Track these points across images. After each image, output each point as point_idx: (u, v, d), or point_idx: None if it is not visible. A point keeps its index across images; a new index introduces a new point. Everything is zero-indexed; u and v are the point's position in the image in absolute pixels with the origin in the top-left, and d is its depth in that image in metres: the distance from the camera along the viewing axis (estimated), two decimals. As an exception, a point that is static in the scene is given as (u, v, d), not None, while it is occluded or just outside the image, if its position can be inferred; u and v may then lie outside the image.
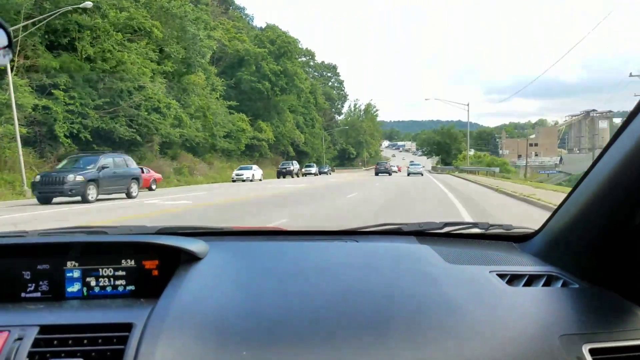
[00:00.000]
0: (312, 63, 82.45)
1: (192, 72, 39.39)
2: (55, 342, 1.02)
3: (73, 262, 1.30)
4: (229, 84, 48.92)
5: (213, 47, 40.39)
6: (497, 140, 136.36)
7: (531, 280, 1.28)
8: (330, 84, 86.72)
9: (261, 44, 52.22)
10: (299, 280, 1.24)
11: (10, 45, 0.83)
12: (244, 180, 35.99)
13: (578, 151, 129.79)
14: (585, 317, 1.15)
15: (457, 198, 14.94)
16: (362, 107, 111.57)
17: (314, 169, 53.32)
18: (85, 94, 27.47)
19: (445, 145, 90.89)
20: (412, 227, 1.70)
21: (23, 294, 1.29)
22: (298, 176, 46.18)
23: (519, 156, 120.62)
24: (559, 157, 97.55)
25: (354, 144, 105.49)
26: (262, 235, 1.75)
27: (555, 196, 13.60)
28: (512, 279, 1.28)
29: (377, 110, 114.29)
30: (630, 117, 1.03)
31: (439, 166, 70.10)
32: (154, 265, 1.31)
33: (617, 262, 1.19)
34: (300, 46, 56.02)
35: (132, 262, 1.31)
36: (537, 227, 1.53)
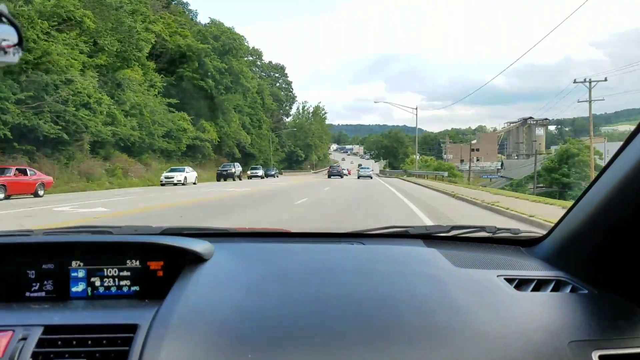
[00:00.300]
0: (259, 63, 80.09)
1: (128, 67, 36.47)
2: (59, 342, 1.02)
3: (78, 262, 1.29)
4: (169, 81, 45.94)
5: (151, 40, 37.47)
6: (441, 145, 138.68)
7: (539, 285, 1.26)
8: (278, 84, 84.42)
9: (204, 40, 49.31)
10: (305, 283, 1.22)
11: (20, 43, 0.80)
12: (175, 184, 32.20)
13: (516, 157, 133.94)
14: (595, 323, 1.13)
15: (419, 209, 13.29)
16: (311, 110, 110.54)
17: (260, 172, 50.50)
18: (5, 87, 24.42)
19: (392, 149, 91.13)
20: (419, 230, 1.69)
21: (27, 294, 1.28)
22: (240, 179, 43.44)
23: (462, 161, 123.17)
24: (500, 162, 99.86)
25: (302, 146, 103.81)
26: (268, 236, 1.74)
27: (521, 204, 12.32)
28: (520, 284, 1.26)
29: (325, 113, 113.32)
30: None
31: (387, 170, 69.48)
32: (159, 266, 1.29)
33: (626, 267, 1.16)
34: (246, 44, 53.24)
35: (137, 263, 1.30)
36: (544, 232, 1.50)
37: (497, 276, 1.29)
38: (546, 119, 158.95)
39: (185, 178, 33.36)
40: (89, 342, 1.01)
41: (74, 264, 1.29)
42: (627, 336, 1.09)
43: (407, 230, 1.69)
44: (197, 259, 1.28)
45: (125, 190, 26.60)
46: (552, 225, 1.46)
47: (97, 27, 32.05)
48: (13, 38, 0.79)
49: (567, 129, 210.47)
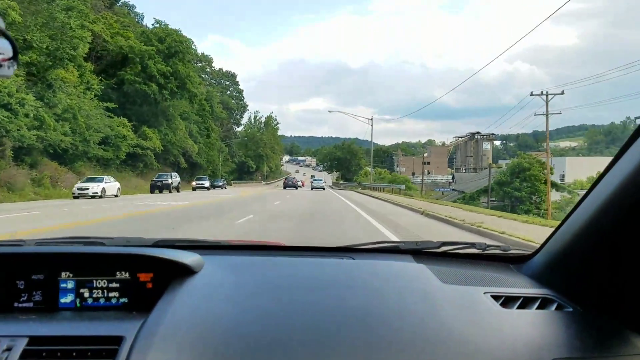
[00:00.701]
0: (208, 70, 76.89)
1: (61, 67, 33.00)
2: (43, 353, 1.02)
3: (68, 273, 1.29)
4: (109, 84, 42.43)
5: (87, 38, 34.03)
6: (393, 157, 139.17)
7: (526, 302, 1.27)
8: (228, 92, 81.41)
9: (149, 41, 46.02)
10: (294, 298, 1.22)
11: (15, 57, 0.80)
12: (91, 196, 27.19)
13: (465, 170, 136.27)
14: (579, 341, 1.15)
15: (388, 229, 11.16)
16: (263, 120, 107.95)
17: (206, 183, 46.79)
18: None
19: (345, 161, 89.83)
20: (409, 245, 1.70)
21: (16, 304, 1.27)
22: (178, 191, 39.80)
23: (413, 174, 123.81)
24: (452, 175, 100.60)
25: (253, 157, 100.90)
26: (259, 249, 1.72)
27: (506, 224, 10.49)
28: (507, 301, 1.27)
29: (277, 123, 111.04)
30: (629, 142, 1.03)
31: (340, 182, 67.73)
32: (148, 277, 1.28)
33: (611, 286, 1.17)
34: (193, 47, 49.99)
35: (127, 274, 1.29)
36: (534, 249, 1.52)
37: (484, 293, 1.29)
38: (493, 134, 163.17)
39: (104, 190, 28.35)
40: (74, 353, 1.01)
41: (63, 274, 1.29)
42: (611, 354, 1.09)
43: (397, 246, 1.70)
44: (186, 272, 1.28)
45: (45, 203, 23.33)
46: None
47: (25, 21, 28.76)
48: (8, 52, 0.79)
49: (511, 144, 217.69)
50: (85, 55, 35.63)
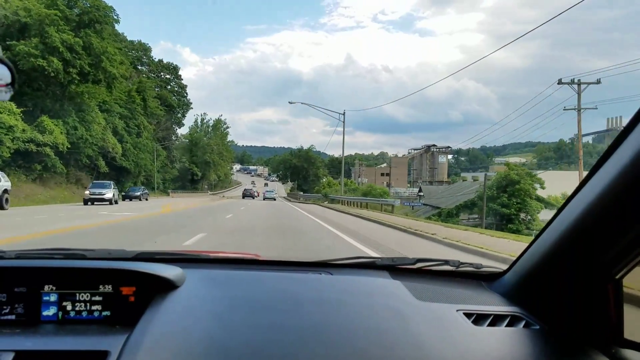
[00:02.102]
0: (145, 59, 64.92)
1: None
2: None
3: (50, 286, 1.27)
4: (-6, 56, 30.64)
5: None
6: (351, 168, 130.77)
7: (496, 320, 1.29)
8: (169, 87, 69.41)
9: (53, 5, 34.27)
10: (273, 313, 1.22)
11: (13, 83, 0.82)
12: None
13: (420, 183, 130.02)
14: (544, 358, 1.18)
15: None
16: (211, 123, 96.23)
17: (107, 192, 29.18)
18: None
19: (302, 169, 79.68)
20: (385, 261, 1.70)
21: None
22: (117, 202, 28.89)
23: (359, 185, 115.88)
24: (418, 188, 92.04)
25: (199, 163, 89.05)
26: (239, 263, 1.72)
27: None
28: (478, 319, 1.28)
29: (227, 127, 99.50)
30: (598, 164, 1.03)
31: (300, 193, 56.92)
32: (130, 291, 1.28)
33: (577, 305, 1.19)
34: (115, 17, 37.70)
35: (109, 288, 1.28)
36: (505, 267, 1.50)
37: (457, 310, 1.31)
38: (448, 146, 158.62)
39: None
40: None
41: (46, 287, 1.27)
42: None
43: (374, 261, 1.71)
44: (168, 286, 1.28)
45: None
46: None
47: None
48: (6, 78, 0.81)
49: (462, 158, 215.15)
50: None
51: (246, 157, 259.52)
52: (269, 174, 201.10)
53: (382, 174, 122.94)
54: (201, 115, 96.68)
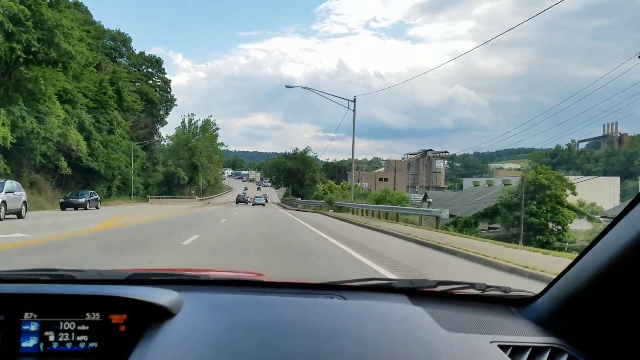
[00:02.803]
0: (124, 51, 57.95)
1: None
2: None
3: (31, 314, 1.14)
4: None
5: None
6: (347, 172, 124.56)
7: (535, 353, 1.15)
8: (151, 82, 62.04)
9: (-5, -34, 27.29)
10: (281, 343, 1.08)
11: None
12: None
13: (417, 189, 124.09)
14: None
15: None
16: (200, 124, 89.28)
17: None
18: None
19: (297, 173, 72.82)
20: (403, 283, 1.55)
21: None
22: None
23: (370, 191, 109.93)
24: (424, 194, 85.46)
25: (185, 167, 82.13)
26: (240, 285, 1.57)
27: None
28: (515, 352, 1.15)
29: (217, 128, 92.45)
30: None
31: (297, 199, 49.71)
32: (121, 320, 1.15)
33: (631, 336, 1.05)
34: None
35: (97, 316, 1.15)
36: (537, 291, 1.38)
37: (490, 342, 1.16)
38: (446, 151, 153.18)
39: None
40: None
41: (26, 315, 1.13)
42: None
43: (390, 284, 1.55)
44: (163, 314, 1.14)
45: None
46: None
47: None
48: None
49: (457, 164, 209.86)
50: None
51: (238, 161, 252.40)
52: (262, 179, 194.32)
53: (381, 179, 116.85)
54: (189, 115, 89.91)
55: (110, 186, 47.19)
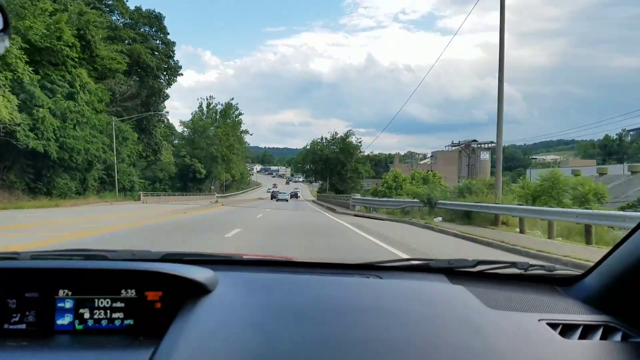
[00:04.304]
0: (115, 4, 43.80)
1: None
2: None
3: (66, 291, 1.11)
4: None
5: None
6: (389, 165, 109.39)
7: (586, 331, 1.11)
8: (148, 44, 46.51)
9: None
10: (320, 323, 1.04)
11: (6, 28, 0.67)
12: None
13: (458, 183, 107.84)
14: None
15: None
16: (219, 109, 75.29)
17: None
18: None
19: (337, 163, 58.03)
20: (441, 263, 1.48)
21: (6, 325, 1.09)
22: None
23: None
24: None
25: (203, 158, 68.54)
26: (273, 265, 1.55)
27: None
28: (565, 330, 1.10)
29: (240, 114, 78.09)
30: None
31: (357, 196, 32.94)
32: (157, 296, 1.12)
33: None
34: None
35: (133, 293, 1.12)
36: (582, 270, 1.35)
37: (539, 320, 1.11)
38: (491, 142, 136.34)
39: None
40: None
41: (61, 292, 1.10)
42: None
43: (427, 264, 1.48)
44: (199, 290, 1.11)
45: None
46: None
47: None
48: None
49: (494, 156, 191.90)
50: None
51: (267, 157, 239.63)
52: (292, 175, 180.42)
53: (429, 172, 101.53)
54: (207, 99, 75.92)
55: (84, 179, 33.27)
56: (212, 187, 73.95)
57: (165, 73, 47.52)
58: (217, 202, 36.23)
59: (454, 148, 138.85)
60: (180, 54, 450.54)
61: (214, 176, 73.36)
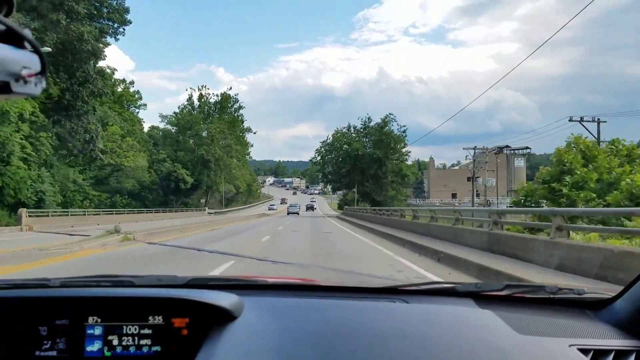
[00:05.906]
0: None
1: None
2: None
3: (95, 318, 1.14)
4: None
5: None
6: (422, 171, 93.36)
7: (618, 357, 1.07)
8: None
9: None
10: (344, 349, 1.02)
11: (44, 72, 0.67)
12: None
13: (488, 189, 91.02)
14: None
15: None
16: (213, 100, 58.69)
17: None
18: None
19: (370, 161, 40.41)
20: (468, 287, 1.43)
21: (37, 352, 1.11)
22: None
23: (454, 195, 77.48)
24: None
25: (190, 163, 52.01)
26: (297, 289, 1.53)
27: None
28: (596, 355, 1.06)
29: (241, 107, 61.25)
30: None
31: (424, 209, 15.76)
32: (183, 323, 1.13)
33: None
34: None
35: (160, 319, 1.14)
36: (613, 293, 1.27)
37: (569, 346, 1.06)
38: (527, 147, 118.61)
39: None
40: None
41: (90, 319, 1.13)
42: None
43: (454, 287, 1.43)
44: (225, 316, 1.11)
45: None
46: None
47: None
48: (35, 66, 0.66)
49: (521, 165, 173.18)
50: None
51: (281, 168, 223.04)
52: (307, 187, 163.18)
53: (469, 179, 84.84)
54: (199, 89, 59.37)
55: None
56: (203, 201, 56.94)
57: (103, 19, 30.19)
58: (203, 227, 18.58)
59: (482, 153, 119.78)
60: (194, 71, 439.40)
61: (208, 186, 56.48)
